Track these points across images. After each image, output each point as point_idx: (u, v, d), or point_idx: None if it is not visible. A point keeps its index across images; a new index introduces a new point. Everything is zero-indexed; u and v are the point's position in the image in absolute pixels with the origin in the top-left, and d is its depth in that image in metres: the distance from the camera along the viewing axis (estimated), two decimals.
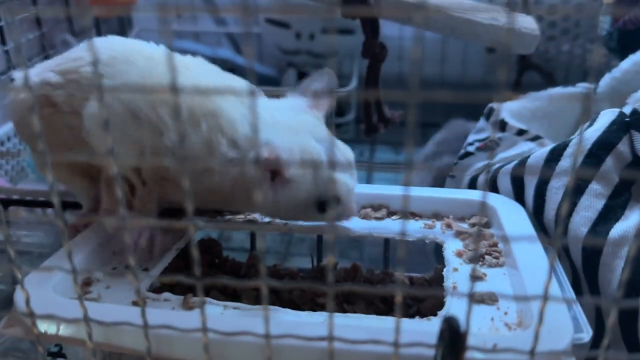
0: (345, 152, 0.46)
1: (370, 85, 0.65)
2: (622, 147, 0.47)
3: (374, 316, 0.38)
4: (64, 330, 0.36)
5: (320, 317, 0.38)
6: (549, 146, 0.50)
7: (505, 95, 0.21)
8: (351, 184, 0.45)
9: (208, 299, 0.41)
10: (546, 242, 0.49)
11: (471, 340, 0.31)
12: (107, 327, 0.30)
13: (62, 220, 0.27)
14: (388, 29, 1.07)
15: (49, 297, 0.38)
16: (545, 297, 0.27)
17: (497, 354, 0.30)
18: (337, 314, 0.38)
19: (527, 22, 0.62)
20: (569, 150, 0.48)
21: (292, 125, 0.44)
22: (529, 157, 0.51)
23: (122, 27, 1.13)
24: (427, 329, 0.36)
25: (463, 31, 0.61)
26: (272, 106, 0.47)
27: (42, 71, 0.47)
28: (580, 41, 0.89)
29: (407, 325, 0.35)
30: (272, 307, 0.38)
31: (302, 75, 1.04)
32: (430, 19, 0.62)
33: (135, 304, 0.41)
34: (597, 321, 0.45)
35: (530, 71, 0.92)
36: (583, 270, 0.45)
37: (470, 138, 0.67)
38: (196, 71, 0.46)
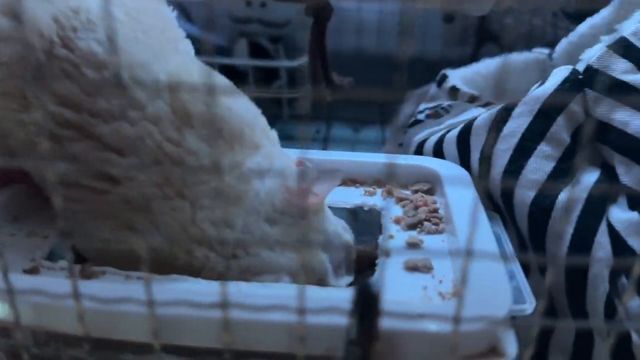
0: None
1: (316, 47, 0.61)
2: (575, 106, 0.43)
3: (280, 284, 0.34)
4: None
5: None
6: (496, 107, 0.46)
7: None
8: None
9: (109, 269, 0.36)
10: (491, 207, 0.46)
11: (396, 308, 0.27)
12: None
13: None
14: (346, 2, 1.03)
15: None
16: (469, 253, 0.23)
17: (417, 322, 0.26)
18: (235, 282, 0.33)
19: None
20: (517, 111, 0.44)
21: None
22: (475, 119, 0.47)
23: None
24: (344, 296, 0.32)
25: None
26: None
27: None
28: (541, 11, 0.85)
29: (318, 293, 0.31)
30: (176, 275, 0.34)
31: (253, 46, 0.98)
32: None
33: (27, 272, 0.36)
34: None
35: (489, 44, 0.88)
36: (530, 237, 0.41)
37: (422, 106, 0.63)
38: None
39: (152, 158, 0.35)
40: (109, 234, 0.36)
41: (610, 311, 0.37)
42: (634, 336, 0.36)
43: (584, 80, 0.43)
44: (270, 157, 0.39)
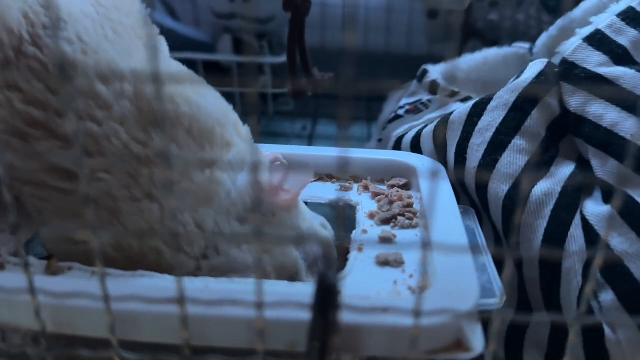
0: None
1: (294, 42, 0.60)
2: (550, 99, 0.43)
3: (240, 279, 0.33)
4: None
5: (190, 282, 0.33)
6: (472, 101, 0.46)
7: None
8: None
9: (76, 264, 0.35)
10: (467, 201, 0.45)
11: (360, 302, 0.27)
12: None
13: None
14: None
15: None
16: (426, 244, 0.22)
17: (380, 315, 0.26)
18: (193, 278, 0.33)
19: None
20: (492, 104, 0.44)
21: None
22: (452, 113, 0.46)
23: None
24: (308, 291, 0.31)
25: None
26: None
27: None
28: (524, 7, 0.85)
29: (279, 288, 0.31)
30: (141, 272, 0.33)
31: (237, 42, 0.98)
32: None
33: None
34: (520, 288, 0.42)
35: (475, 40, 0.88)
36: (503, 231, 0.41)
37: (402, 101, 0.63)
38: None
39: (119, 158, 0.34)
40: (74, 234, 0.35)
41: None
42: (607, 330, 0.35)
43: (560, 73, 0.43)
44: (241, 155, 0.38)
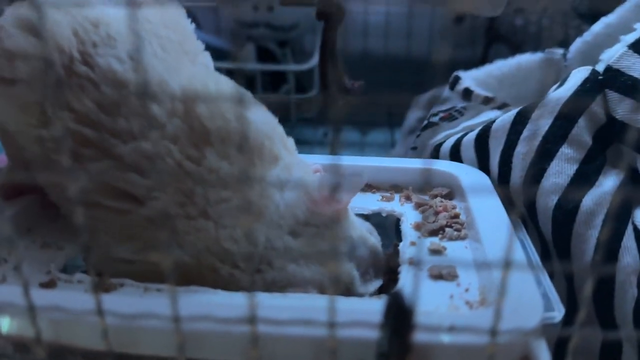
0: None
1: (326, 51, 0.60)
2: (596, 107, 0.42)
3: (306, 294, 0.33)
4: None
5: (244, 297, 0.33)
6: (516, 109, 0.45)
7: None
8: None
9: (127, 281, 0.35)
10: (517, 213, 0.45)
11: (425, 320, 0.27)
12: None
13: None
14: (353, 5, 1.03)
15: None
16: (508, 264, 0.22)
17: (453, 334, 0.25)
18: (261, 293, 0.33)
19: None
20: (537, 112, 0.43)
21: None
22: (494, 122, 0.46)
23: None
24: (374, 308, 0.31)
25: None
26: None
27: None
28: (550, 11, 0.84)
29: (347, 305, 0.31)
30: (196, 287, 0.33)
31: (261, 50, 0.98)
32: None
33: (43, 285, 0.35)
34: (569, 299, 0.41)
35: (499, 44, 0.87)
36: (553, 242, 0.41)
37: (435, 109, 0.63)
38: None
39: (173, 177, 0.34)
40: (131, 254, 0.35)
41: (639, 318, 0.36)
42: None
43: (604, 81, 0.42)
44: (289, 169, 0.38)
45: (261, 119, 0.38)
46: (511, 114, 0.45)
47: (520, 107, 0.45)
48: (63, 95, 0.34)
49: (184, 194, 0.34)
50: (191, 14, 1.06)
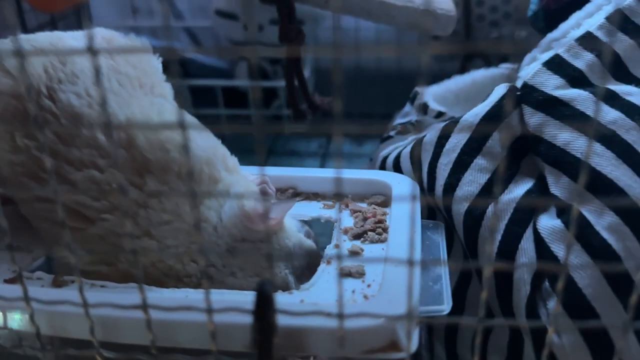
0: None
1: (292, 72, 0.65)
2: (512, 121, 0.46)
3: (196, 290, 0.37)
4: None
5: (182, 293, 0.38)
6: (443, 123, 0.49)
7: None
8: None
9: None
10: (441, 217, 0.49)
11: (304, 308, 0.31)
12: None
13: None
14: (345, 21, 1.08)
15: None
16: (339, 257, 0.26)
17: (307, 317, 0.30)
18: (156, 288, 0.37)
19: (443, 3, 0.62)
20: (458, 126, 0.47)
21: None
22: (425, 135, 0.50)
23: (80, 24, 1.14)
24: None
25: (378, 14, 0.61)
26: None
27: None
28: (527, 24, 0.88)
29: (234, 297, 0.35)
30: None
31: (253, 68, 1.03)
32: (346, 2, 0.61)
33: (7, 281, 0.41)
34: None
35: (477, 59, 0.91)
36: (465, 244, 0.44)
37: (395, 122, 0.67)
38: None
39: (119, 201, 0.39)
40: (86, 266, 0.40)
41: (532, 312, 0.40)
42: (554, 337, 0.38)
43: (521, 97, 0.46)
44: (228, 188, 0.42)
45: (201, 145, 0.42)
46: (439, 127, 0.49)
47: (446, 122, 0.49)
48: (29, 125, 0.40)
49: (129, 216, 0.39)
50: (193, 35, 1.12)
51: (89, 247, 0.40)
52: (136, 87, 0.44)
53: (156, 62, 0.48)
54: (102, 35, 0.47)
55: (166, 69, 0.48)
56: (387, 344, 0.32)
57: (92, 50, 0.22)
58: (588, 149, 0.30)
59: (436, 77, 0.75)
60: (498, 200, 0.38)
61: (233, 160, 0.45)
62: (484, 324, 0.27)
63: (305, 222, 0.49)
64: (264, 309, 0.28)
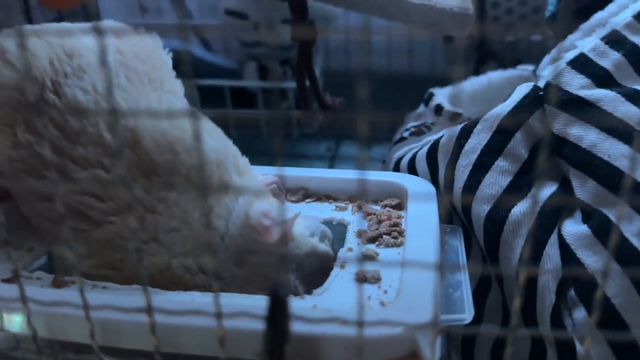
0: None
1: (303, 70, 0.63)
2: (533, 122, 0.44)
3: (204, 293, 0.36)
4: None
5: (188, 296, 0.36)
6: (461, 124, 0.47)
7: None
8: None
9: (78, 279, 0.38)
10: (458, 221, 0.47)
11: (320, 315, 0.29)
12: None
13: None
14: (353, 19, 1.06)
15: None
16: (359, 260, 0.24)
17: (324, 325, 0.28)
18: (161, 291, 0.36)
19: (460, 1, 0.60)
20: (478, 127, 0.45)
21: None
22: (442, 136, 0.48)
23: (88, 21, 1.12)
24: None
25: (392, 11, 0.59)
26: None
27: None
28: (542, 27, 0.86)
29: (243, 301, 0.33)
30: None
31: (263, 68, 1.02)
32: None
33: (5, 281, 0.39)
34: (504, 306, 0.43)
35: (491, 61, 0.89)
36: (485, 249, 0.42)
37: (409, 124, 0.65)
38: None
39: (125, 204, 0.36)
40: (90, 270, 0.38)
41: (556, 322, 0.38)
42: (578, 346, 0.36)
43: (544, 96, 0.44)
44: (237, 195, 0.40)
45: (212, 146, 0.39)
46: (457, 128, 0.47)
47: (465, 123, 0.47)
48: (31, 120, 0.38)
49: (136, 219, 0.36)
50: (202, 37, 1.10)
51: (94, 251, 0.38)
52: (145, 82, 0.42)
53: (166, 57, 0.46)
54: (111, 28, 0.45)
55: (177, 68, 0.46)
56: (408, 354, 0.30)
57: (98, 30, 0.20)
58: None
59: (448, 81, 0.73)
60: (536, 200, 0.35)
61: (244, 161, 0.43)
62: (515, 334, 0.25)
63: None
64: (278, 314, 0.26)
